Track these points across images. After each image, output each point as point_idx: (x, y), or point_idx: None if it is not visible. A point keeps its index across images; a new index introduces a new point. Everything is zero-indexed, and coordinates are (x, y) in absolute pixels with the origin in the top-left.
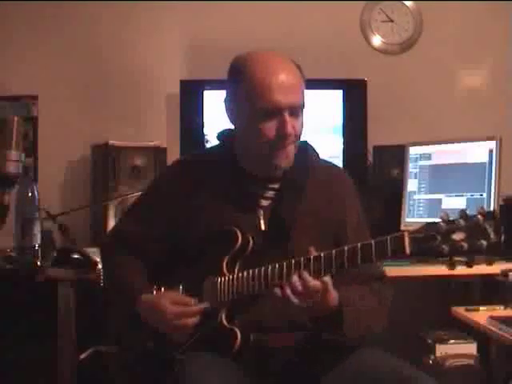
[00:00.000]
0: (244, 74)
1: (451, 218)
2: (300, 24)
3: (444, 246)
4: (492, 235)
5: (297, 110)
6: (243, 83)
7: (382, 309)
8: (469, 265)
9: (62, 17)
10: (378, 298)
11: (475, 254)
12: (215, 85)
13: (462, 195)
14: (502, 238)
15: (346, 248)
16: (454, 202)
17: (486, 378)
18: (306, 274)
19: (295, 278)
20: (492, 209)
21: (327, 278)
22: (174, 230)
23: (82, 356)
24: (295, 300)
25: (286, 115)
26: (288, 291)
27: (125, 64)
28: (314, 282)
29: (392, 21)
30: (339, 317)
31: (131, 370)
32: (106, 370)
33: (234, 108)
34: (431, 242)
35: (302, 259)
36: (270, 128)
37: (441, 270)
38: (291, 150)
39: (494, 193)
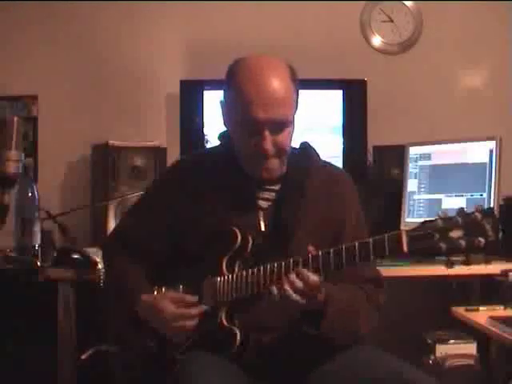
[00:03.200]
0: (233, 83)
1: (449, 216)
2: (300, 24)
3: (442, 244)
4: (490, 233)
5: (280, 126)
6: (231, 92)
7: (371, 310)
8: (466, 263)
9: (62, 17)
10: (367, 300)
11: (473, 252)
12: (215, 85)
13: (462, 195)
14: (500, 235)
15: (344, 247)
16: (454, 202)
17: (486, 378)
18: (304, 270)
19: (293, 276)
20: (490, 206)
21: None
22: (174, 230)
23: (83, 356)
24: (296, 298)
25: (266, 131)
26: (288, 289)
27: (125, 64)
28: (313, 277)
29: (392, 21)
30: (320, 313)
31: (131, 370)
32: (107, 370)
33: (225, 113)
34: (429, 239)
35: (301, 258)
36: (250, 142)
37: (440, 269)
38: (273, 163)
39: (494, 193)
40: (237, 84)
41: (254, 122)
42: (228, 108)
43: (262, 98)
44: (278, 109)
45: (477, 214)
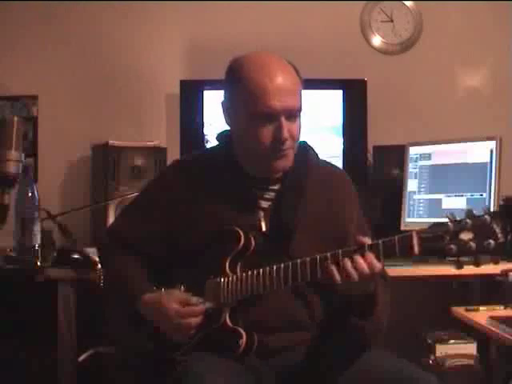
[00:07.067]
0: (240, 78)
1: (458, 218)
2: (300, 24)
3: (452, 246)
4: (499, 235)
5: (293, 114)
6: (239, 87)
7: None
8: (476, 264)
9: (62, 17)
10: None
11: (483, 254)
12: (215, 85)
13: (462, 195)
14: (509, 237)
15: (353, 248)
16: (454, 202)
17: (486, 378)
18: (371, 255)
19: (359, 258)
20: (498, 209)
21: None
22: (173, 230)
23: (81, 358)
24: (355, 276)
25: (283, 120)
26: (352, 271)
27: (125, 64)
28: (379, 264)
29: (392, 21)
30: (371, 303)
31: (131, 371)
32: (106, 370)
33: (230, 111)
34: (439, 241)
35: (308, 259)
36: (267, 133)
37: (441, 270)
38: (289, 152)
39: (494, 193)
40: (245, 77)
41: (270, 111)
42: (235, 104)
43: (275, 88)
44: (291, 97)
45: (486, 216)
